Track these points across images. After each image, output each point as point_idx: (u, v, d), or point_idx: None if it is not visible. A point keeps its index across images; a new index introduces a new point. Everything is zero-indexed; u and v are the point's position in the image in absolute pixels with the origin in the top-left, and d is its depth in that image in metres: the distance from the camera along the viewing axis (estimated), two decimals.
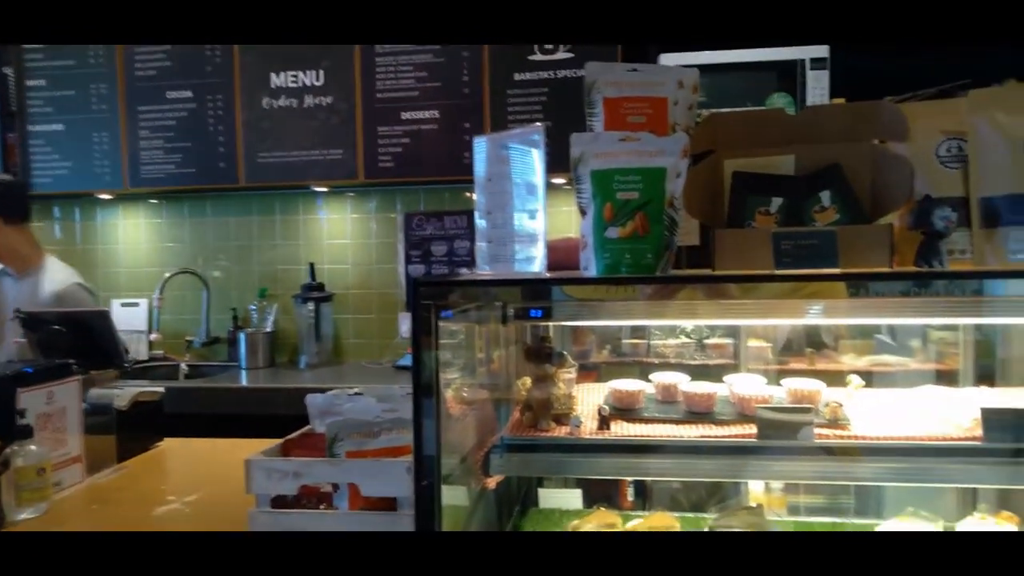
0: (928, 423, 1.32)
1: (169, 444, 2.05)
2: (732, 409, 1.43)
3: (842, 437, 1.28)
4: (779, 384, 1.48)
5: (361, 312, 3.54)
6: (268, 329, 3.47)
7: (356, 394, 1.57)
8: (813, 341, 2.52)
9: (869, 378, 1.54)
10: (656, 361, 2.65)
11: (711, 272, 1.20)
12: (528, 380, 1.48)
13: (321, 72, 3.21)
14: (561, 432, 1.37)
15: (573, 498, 1.81)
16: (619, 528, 1.46)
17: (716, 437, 1.32)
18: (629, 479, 2.11)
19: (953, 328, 2.03)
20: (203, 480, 1.74)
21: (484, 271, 1.41)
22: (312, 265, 3.46)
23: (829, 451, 1.25)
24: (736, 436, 1.31)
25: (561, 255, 1.33)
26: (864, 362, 2.39)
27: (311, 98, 3.22)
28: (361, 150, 3.20)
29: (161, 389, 2.05)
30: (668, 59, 2.64)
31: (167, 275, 3.50)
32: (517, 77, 3.08)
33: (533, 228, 1.32)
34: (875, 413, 1.39)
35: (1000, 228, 1.18)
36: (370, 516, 1.29)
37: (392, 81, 3.17)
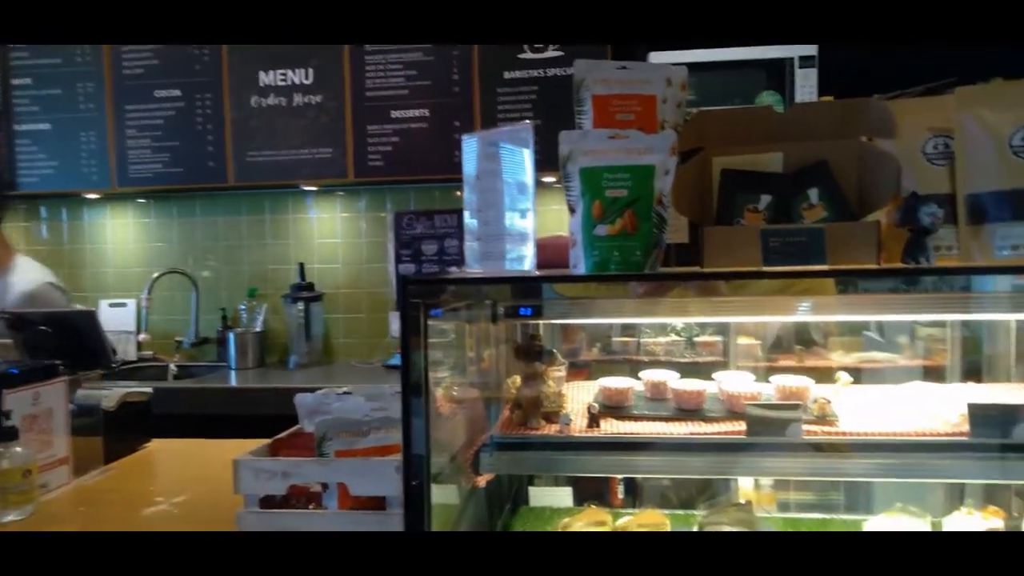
0: (915, 419, 1.32)
1: (157, 445, 2.03)
2: (721, 406, 1.43)
3: (830, 433, 1.28)
4: (768, 381, 1.49)
5: (351, 312, 3.53)
6: (258, 329, 3.45)
7: (345, 393, 1.57)
8: (802, 338, 2.54)
9: (858, 375, 1.55)
10: (646, 359, 2.67)
11: (699, 269, 1.20)
12: (518, 378, 1.48)
13: (310, 71, 3.20)
14: (551, 430, 1.37)
15: (563, 496, 1.82)
16: (609, 525, 1.46)
17: (705, 434, 1.32)
18: (619, 477, 2.11)
19: (940, 325, 2.05)
20: (191, 481, 1.73)
21: (474, 270, 1.41)
22: (302, 265, 3.45)
23: (817, 447, 1.25)
24: (725, 433, 1.31)
25: (551, 253, 1.33)
26: (853, 359, 2.40)
27: (300, 97, 3.21)
28: (351, 149, 3.19)
29: (149, 390, 2.03)
30: (657, 57, 2.64)
31: (155, 275, 3.48)
32: (507, 75, 3.08)
33: (523, 227, 1.31)
34: (863, 409, 1.40)
35: (986, 224, 1.19)
36: (359, 516, 1.28)
37: (382, 80, 3.16)
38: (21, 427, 1.53)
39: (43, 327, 2.03)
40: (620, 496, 2.16)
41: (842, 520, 1.63)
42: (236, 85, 3.25)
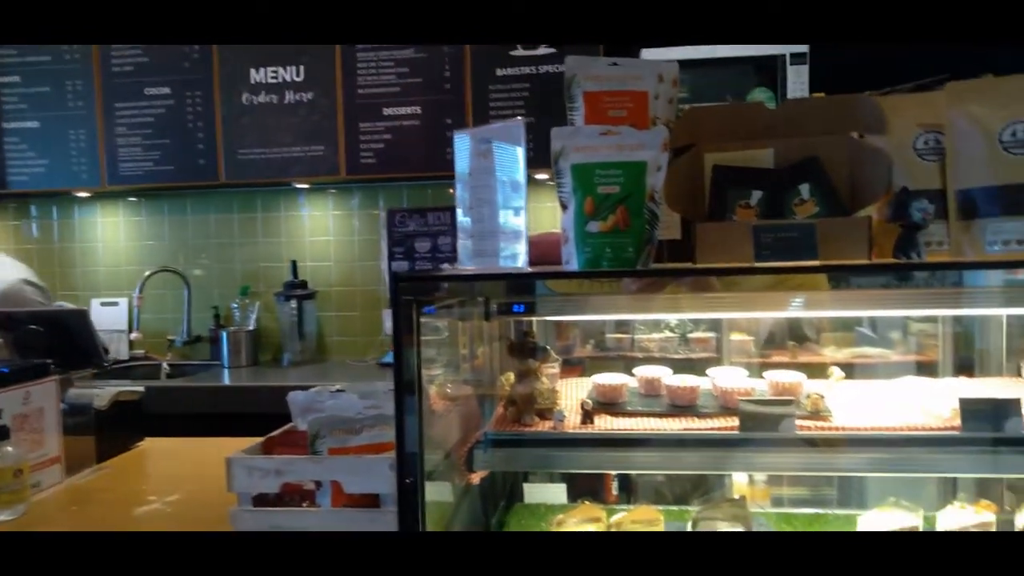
0: (908, 414, 1.33)
1: (150, 444, 2.03)
2: (715, 402, 1.44)
3: (823, 429, 1.29)
4: (761, 377, 1.49)
5: (344, 309, 3.52)
6: (250, 327, 3.44)
7: (338, 391, 1.56)
8: (795, 334, 2.55)
9: (850, 370, 1.56)
10: (640, 355, 2.67)
11: (692, 266, 1.20)
12: (512, 375, 1.48)
13: (301, 68, 3.19)
14: (544, 427, 1.37)
15: (558, 493, 1.82)
16: (603, 522, 1.46)
17: (699, 430, 1.32)
18: (613, 473, 2.12)
19: (932, 320, 2.06)
20: (184, 480, 1.72)
21: (466, 267, 1.40)
22: (294, 263, 3.44)
23: (810, 442, 1.26)
24: (719, 429, 1.32)
25: (543, 250, 1.33)
26: (845, 354, 2.41)
27: (291, 94, 3.20)
28: (343, 146, 3.18)
29: (141, 388, 2.02)
30: (649, 54, 2.64)
31: (147, 274, 3.46)
32: (499, 73, 3.07)
33: (516, 224, 1.31)
34: (856, 404, 1.40)
35: (977, 220, 1.19)
36: (353, 513, 1.28)
37: (373, 77, 3.15)
38: (12, 426, 1.52)
39: (34, 326, 2.02)
40: (614, 492, 2.16)
41: (835, 515, 1.64)
42: (227, 82, 3.23)
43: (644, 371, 1.54)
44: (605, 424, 1.37)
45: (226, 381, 3.10)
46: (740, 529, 1.38)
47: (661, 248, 1.29)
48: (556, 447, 1.35)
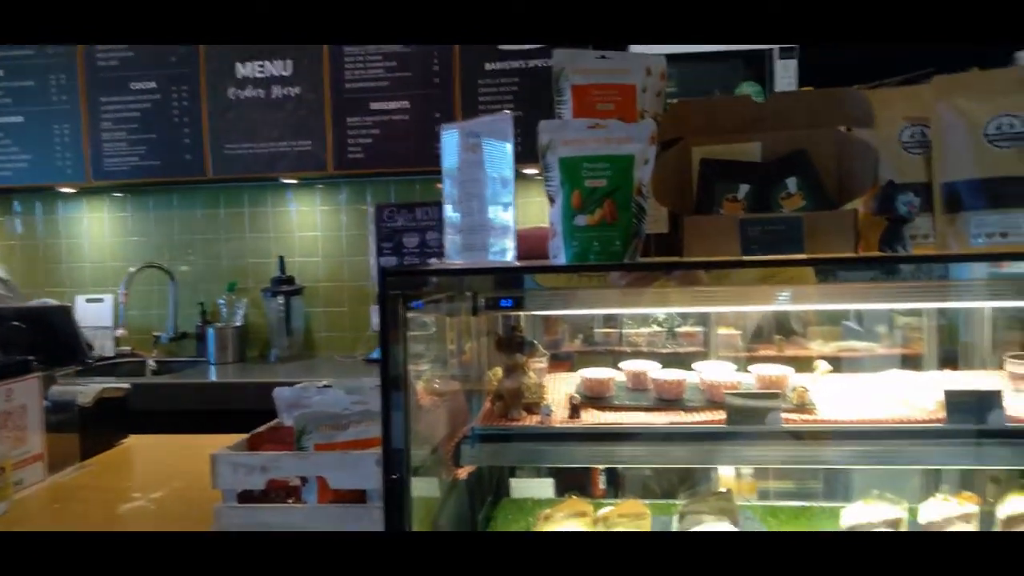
0: (893, 406, 1.33)
1: (135, 441, 2.01)
2: (701, 396, 1.44)
3: (809, 421, 1.29)
4: (748, 371, 1.49)
5: (332, 305, 3.51)
6: (238, 324, 3.42)
7: (325, 387, 1.55)
8: (782, 328, 2.55)
9: (836, 363, 1.56)
10: (628, 350, 2.67)
11: (679, 259, 1.20)
12: (499, 370, 1.47)
13: (288, 62, 3.16)
14: (532, 421, 1.37)
15: (545, 487, 1.82)
16: (590, 516, 1.46)
17: (685, 423, 1.32)
18: (600, 467, 2.12)
19: (918, 314, 2.07)
20: (169, 476, 1.71)
21: (454, 261, 1.40)
22: (282, 258, 3.42)
23: (796, 435, 1.26)
24: (705, 422, 1.32)
25: (531, 244, 1.32)
26: (832, 348, 2.42)
27: (279, 88, 3.18)
28: (330, 141, 3.16)
29: (127, 385, 2.01)
30: (637, 47, 2.64)
31: (132, 270, 3.43)
32: (488, 67, 3.06)
33: (505, 220, 1.31)
34: (841, 397, 1.41)
35: (962, 213, 1.20)
36: (339, 509, 1.27)
37: (361, 71, 3.13)
38: None
39: (16, 323, 1.99)
40: (601, 487, 2.16)
41: (821, 508, 1.65)
42: (213, 77, 3.21)
43: (631, 365, 1.54)
44: (592, 418, 1.37)
45: (213, 378, 3.09)
46: (726, 522, 1.39)
47: (649, 242, 1.29)
48: (543, 441, 1.34)
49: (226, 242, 3.56)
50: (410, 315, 1.18)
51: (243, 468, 1.29)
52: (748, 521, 1.52)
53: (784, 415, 1.29)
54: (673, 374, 1.45)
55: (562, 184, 1.20)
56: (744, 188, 1.23)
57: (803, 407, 1.33)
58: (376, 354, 3.29)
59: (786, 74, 2.70)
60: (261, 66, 3.18)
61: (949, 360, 1.83)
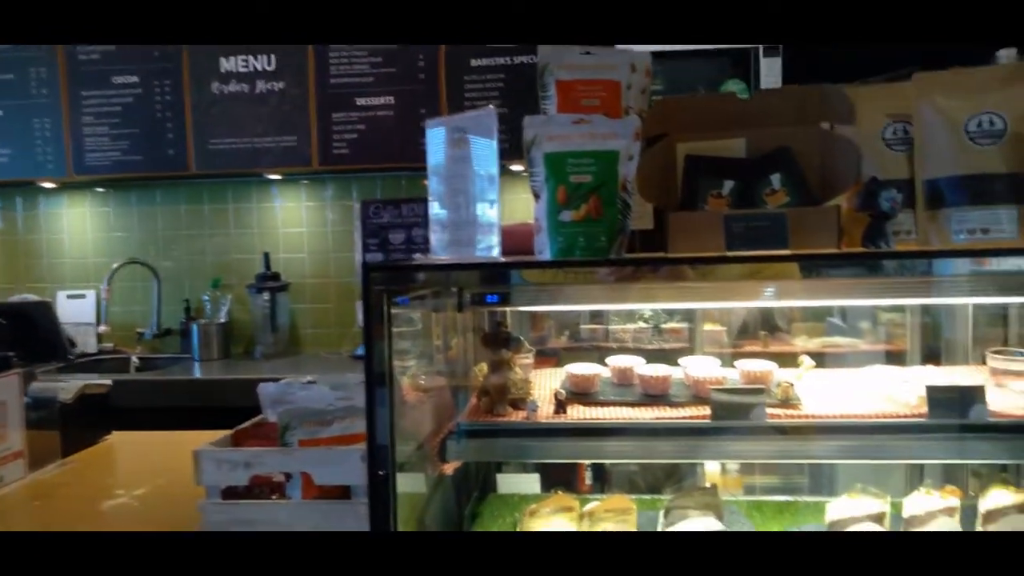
0: (876, 402, 1.34)
1: (118, 438, 1.99)
2: (687, 391, 1.44)
3: (793, 416, 1.30)
4: (733, 366, 1.50)
5: (318, 302, 3.49)
6: (222, 320, 3.40)
7: (309, 383, 1.55)
8: (767, 324, 2.57)
9: (821, 359, 1.57)
10: (615, 346, 2.68)
11: (663, 255, 1.20)
12: (485, 366, 1.47)
13: (272, 57, 3.14)
14: (517, 417, 1.37)
15: (531, 483, 1.82)
16: (576, 511, 1.46)
17: (671, 419, 1.33)
18: (586, 463, 2.13)
19: (901, 310, 2.09)
20: (152, 473, 1.70)
21: (439, 257, 1.39)
22: (267, 254, 3.40)
23: (781, 430, 1.27)
24: (691, 417, 1.32)
25: (517, 240, 1.32)
26: (816, 344, 2.44)
27: (263, 83, 3.15)
28: (315, 137, 3.14)
29: (108, 382, 1.99)
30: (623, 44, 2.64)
31: (115, 266, 3.40)
32: (473, 63, 3.06)
33: (491, 217, 1.30)
34: (825, 393, 1.42)
35: (944, 209, 1.21)
36: (324, 505, 1.27)
37: (346, 66, 3.12)
38: None
39: None
40: (588, 482, 2.17)
41: (805, 502, 1.66)
42: (196, 71, 3.18)
43: (617, 361, 1.54)
44: (578, 414, 1.37)
45: (197, 374, 3.06)
46: (712, 517, 1.39)
47: (634, 238, 1.29)
48: (529, 437, 1.35)
49: (210, 238, 3.54)
50: (395, 311, 1.18)
51: (227, 464, 1.28)
52: (733, 516, 1.52)
53: (769, 410, 1.30)
54: (659, 370, 1.46)
55: (547, 180, 1.19)
56: (728, 184, 1.23)
57: (788, 402, 1.34)
58: (362, 350, 3.29)
59: (771, 72, 2.72)
60: (245, 61, 3.15)
61: (932, 356, 1.85)
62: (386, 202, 3.21)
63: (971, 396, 1.24)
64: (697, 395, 1.41)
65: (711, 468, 2.06)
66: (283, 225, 3.50)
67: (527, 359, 1.62)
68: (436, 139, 1.37)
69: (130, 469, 1.80)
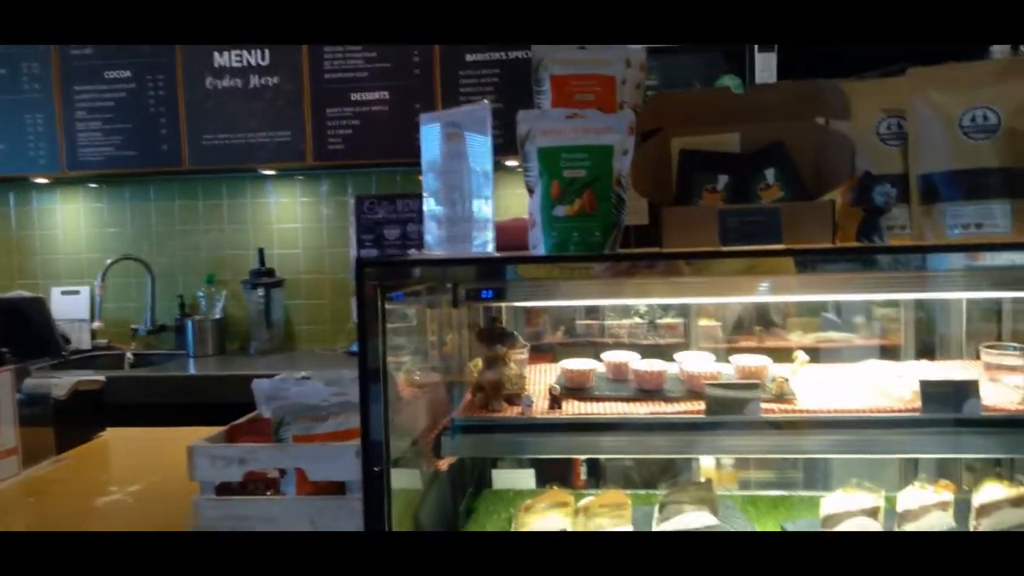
0: (871, 396, 1.35)
1: (112, 434, 1.99)
2: (681, 386, 1.45)
3: (788, 411, 1.30)
4: (728, 361, 1.50)
5: (313, 298, 3.49)
6: (217, 316, 3.39)
7: (304, 378, 1.54)
8: (762, 319, 2.57)
9: (815, 354, 1.57)
10: (610, 341, 2.68)
11: (658, 250, 1.20)
12: (480, 361, 1.47)
13: (266, 52, 3.13)
14: (512, 412, 1.37)
15: (526, 478, 1.82)
16: (571, 506, 1.47)
17: (666, 414, 1.33)
18: (581, 458, 2.13)
19: (895, 305, 2.09)
20: (147, 469, 1.69)
21: (434, 252, 1.39)
22: (261, 250, 3.39)
23: (775, 425, 1.27)
24: (685, 413, 1.32)
25: (511, 235, 1.32)
26: (811, 339, 2.44)
27: (257, 78, 3.14)
28: (309, 132, 3.13)
29: (102, 378, 1.98)
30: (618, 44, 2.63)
31: (109, 262, 3.39)
32: (468, 58, 3.05)
33: (486, 213, 1.30)
34: (820, 388, 1.42)
35: (938, 204, 1.21)
36: (318, 501, 1.27)
37: (340, 62, 3.10)
38: None
39: None
40: (583, 477, 2.17)
41: (800, 497, 1.66)
42: (190, 66, 3.16)
43: (612, 356, 1.54)
44: (573, 409, 1.37)
45: (192, 371, 3.06)
46: (706, 512, 1.40)
47: (628, 233, 1.29)
48: (524, 433, 1.35)
49: (205, 233, 3.52)
50: (390, 307, 1.17)
51: (221, 460, 1.27)
52: (728, 511, 1.53)
53: (764, 405, 1.30)
54: (653, 365, 1.46)
55: (541, 174, 1.19)
56: (723, 179, 1.23)
57: (782, 397, 1.34)
58: (357, 347, 3.28)
59: (765, 67, 2.71)
60: (239, 56, 3.14)
61: (926, 351, 1.86)
62: (381, 198, 3.21)
63: (965, 391, 1.25)
64: (692, 390, 1.41)
65: (706, 463, 2.06)
66: (277, 221, 3.49)
67: (522, 355, 1.61)
68: (431, 135, 1.36)
69: (124, 465, 1.79)
